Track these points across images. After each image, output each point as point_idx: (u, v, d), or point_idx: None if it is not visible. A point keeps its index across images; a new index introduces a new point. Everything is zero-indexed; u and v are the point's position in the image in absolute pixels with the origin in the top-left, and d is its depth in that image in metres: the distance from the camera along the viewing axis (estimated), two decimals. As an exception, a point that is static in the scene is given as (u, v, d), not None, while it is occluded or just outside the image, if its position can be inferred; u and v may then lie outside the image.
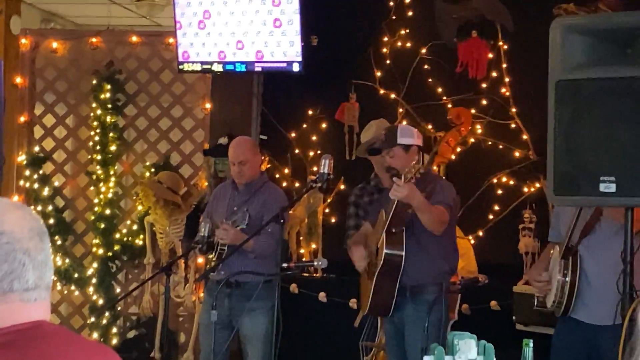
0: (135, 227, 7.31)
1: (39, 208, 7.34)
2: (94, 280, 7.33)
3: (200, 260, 6.76)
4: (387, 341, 5.17)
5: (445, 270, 4.95)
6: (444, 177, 5.33)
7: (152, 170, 7.25)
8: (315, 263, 5.28)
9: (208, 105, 7.15)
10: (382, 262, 4.81)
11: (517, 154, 6.33)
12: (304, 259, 6.62)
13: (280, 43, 6.36)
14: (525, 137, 6.30)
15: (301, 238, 6.83)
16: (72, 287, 7.42)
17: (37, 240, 1.66)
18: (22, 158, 7.53)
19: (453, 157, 6.30)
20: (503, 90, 6.38)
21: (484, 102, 6.43)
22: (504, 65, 6.37)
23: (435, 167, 6.12)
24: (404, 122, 6.57)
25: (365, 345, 5.59)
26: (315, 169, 6.50)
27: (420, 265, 4.86)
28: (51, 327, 1.66)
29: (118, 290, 7.37)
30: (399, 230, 4.82)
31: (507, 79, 6.36)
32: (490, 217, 6.37)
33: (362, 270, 5.08)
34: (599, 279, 4.32)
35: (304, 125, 6.96)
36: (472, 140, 6.46)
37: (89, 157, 7.48)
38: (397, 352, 5.07)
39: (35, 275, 1.63)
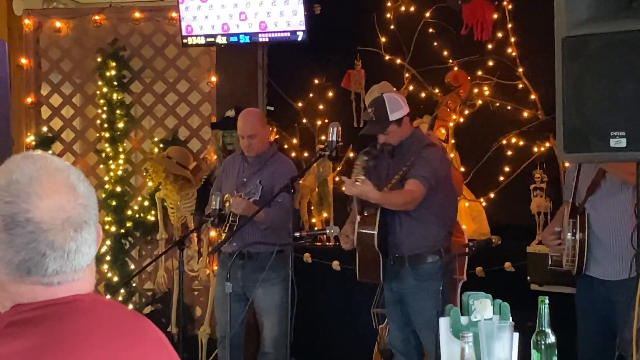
0: (146, 203, 7.33)
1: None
2: (107, 258, 7.35)
3: (213, 233, 6.77)
4: (387, 308, 5.21)
5: (443, 236, 4.99)
6: (434, 143, 5.28)
7: (161, 145, 7.25)
8: (328, 231, 5.29)
9: (213, 79, 7.13)
10: (357, 241, 4.95)
11: (525, 114, 6.31)
12: (316, 228, 6.62)
13: (283, 13, 6.33)
14: (533, 96, 6.27)
15: (312, 207, 6.83)
16: (87, 266, 7.44)
17: (70, 231, 1.58)
18: (30, 139, 7.53)
19: (454, 118, 6.27)
20: (509, 50, 6.34)
21: (491, 63, 6.39)
22: (509, 26, 6.33)
23: (443, 131, 6.10)
24: (410, 87, 6.56)
25: (377, 313, 5.61)
26: (323, 137, 6.49)
27: (415, 235, 4.93)
28: (86, 301, 1.63)
29: (132, 266, 7.39)
30: (372, 212, 4.90)
31: (512, 39, 6.32)
32: (501, 178, 6.35)
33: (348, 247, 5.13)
34: (608, 236, 4.35)
35: (311, 95, 6.94)
36: (480, 102, 6.44)
37: (97, 135, 7.48)
38: (397, 320, 5.12)
39: (57, 264, 1.58)
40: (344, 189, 4.80)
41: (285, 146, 6.89)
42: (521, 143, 6.33)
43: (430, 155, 4.97)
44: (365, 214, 4.92)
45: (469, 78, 6.37)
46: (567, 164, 4.77)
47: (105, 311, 1.67)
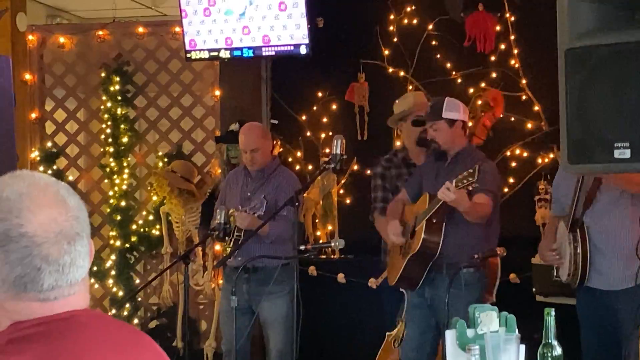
0: (151, 217, 7.33)
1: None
2: (112, 272, 7.36)
3: (218, 247, 6.77)
4: (409, 310, 5.16)
5: (485, 250, 4.94)
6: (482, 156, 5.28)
7: (165, 160, 7.26)
8: (333, 244, 5.31)
9: (217, 93, 7.14)
10: (419, 247, 4.87)
11: (529, 125, 6.31)
12: (320, 241, 6.62)
13: (286, 26, 6.34)
14: (536, 108, 6.27)
15: (317, 220, 6.83)
16: (92, 280, 7.45)
17: (64, 244, 1.59)
18: (35, 154, 7.55)
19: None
20: (512, 62, 6.35)
21: (494, 75, 6.40)
22: (512, 37, 6.33)
23: None
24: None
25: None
26: (327, 150, 6.49)
27: (459, 245, 4.88)
28: (84, 317, 1.63)
29: (137, 281, 7.40)
30: (440, 219, 4.85)
31: (515, 51, 6.33)
32: (506, 190, 6.34)
33: (396, 245, 5.08)
34: (608, 246, 4.39)
35: (314, 108, 6.95)
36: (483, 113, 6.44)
37: (102, 150, 7.49)
38: (420, 324, 5.08)
39: (52, 279, 1.58)
40: (440, 192, 4.66)
41: (290, 159, 6.89)
42: (525, 154, 6.33)
43: (492, 169, 4.98)
44: (434, 221, 4.87)
45: (472, 90, 6.39)
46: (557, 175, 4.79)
47: (103, 326, 1.67)
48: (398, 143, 6.24)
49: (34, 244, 1.56)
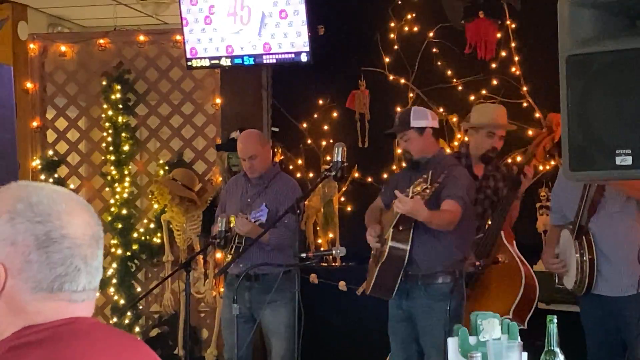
0: (152, 225, 7.33)
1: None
2: (114, 281, 7.35)
3: (219, 255, 6.77)
4: (391, 325, 5.15)
5: (459, 259, 4.94)
6: (457, 161, 5.28)
7: (166, 168, 7.26)
8: (334, 251, 5.29)
9: (218, 101, 7.15)
10: (386, 255, 4.87)
11: (530, 132, 6.31)
12: (322, 249, 6.61)
13: (287, 34, 6.35)
14: (537, 115, 6.27)
15: (318, 228, 6.83)
16: (93, 289, 7.43)
17: (95, 247, 1.65)
18: (36, 163, 7.55)
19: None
20: (513, 69, 6.35)
21: (495, 82, 6.40)
22: (513, 44, 6.34)
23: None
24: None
25: None
26: (328, 158, 6.49)
27: (431, 254, 4.88)
28: (85, 324, 1.64)
29: (139, 289, 7.39)
30: (406, 227, 4.84)
31: (516, 58, 6.33)
32: (507, 197, 6.34)
33: (375, 249, 5.09)
34: (614, 253, 4.39)
35: (315, 115, 6.95)
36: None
37: (103, 158, 7.50)
38: (402, 337, 5.07)
39: (86, 280, 1.63)
40: (395, 205, 4.68)
41: (291, 167, 6.89)
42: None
43: (461, 175, 4.97)
44: (400, 228, 4.86)
45: (473, 97, 6.39)
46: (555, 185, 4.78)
47: (103, 334, 1.67)
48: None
49: (75, 245, 1.61)
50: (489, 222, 5.34)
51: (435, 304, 4.84)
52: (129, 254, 7.33)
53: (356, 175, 6.70)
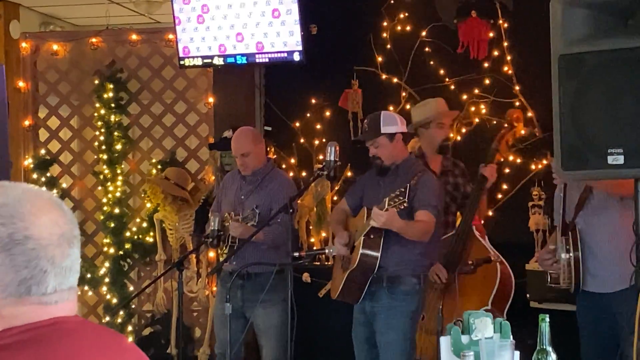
0: (144, 224, 7.32)
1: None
2: (106, 280, 7.35)
3: (212, 254, 6.76)
4: (355, 329, 5.17)
5: (425, 264, 4.99)
6: (424, 165, 5.31)
7: (159, 167, 7.26)
8: (327, 250, 5.30)
9: (211, 100, 7.15)
10: (357, 262, 4.89)
11: (522, 131, 6.31)
12: (314, 248, 6.61)
13: (279, 33, 6.35)
14: (530, 114, 6.27)
15: (311, 227, 6.83)
16: (86, 288, 7.43)
17: (65, 246, 1.61)
18: (28, 162, 7.54)
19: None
20: (505, 68, 6.36)
21: (487, 81, 6.41)
22: (505, 44, 6.34)
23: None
24: (407, 107, 6.56)
25: None
26: (321, 157, 6.49)
27: (397, 259, 4.92)
28: (70, 324, 1.63)
29: (131, 288, 7.38)
30: (378, 235, 4.87)
31: (509, 57, 6.33)
32: (499, 196, 6.35)
33: (341, 255, 5.08)
34: (601, 249, 4.39)
35: (308, 114, 6.95)
36: (477, 120, 6.45)
37: (95, 157, 7.49)
38: (364, 341, 5.11)
39: (56, 282, 1.59)
40: (372, 219, 4.71)
41: (283, 166, 6.89)
42: (519, 161, 6.33)
43: (431, 182, 4.99)
44: (372, 236, 4.88)
45: (465, 97, 6.40)
46: (557, 187, 4.78)
47: (88, 332, 1.67)
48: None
49: (40, 246, 1.57)
50: (459, 220, 5.38)
51: (398, 303, 4.88)
52: (121, 253, 7.33)
53: (349, 174, 6.70)
